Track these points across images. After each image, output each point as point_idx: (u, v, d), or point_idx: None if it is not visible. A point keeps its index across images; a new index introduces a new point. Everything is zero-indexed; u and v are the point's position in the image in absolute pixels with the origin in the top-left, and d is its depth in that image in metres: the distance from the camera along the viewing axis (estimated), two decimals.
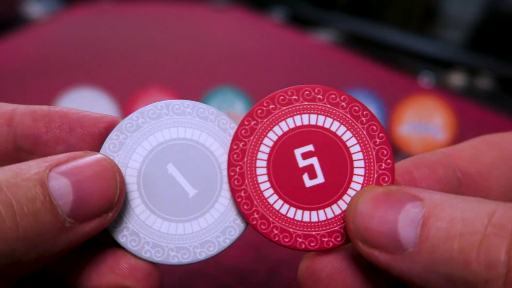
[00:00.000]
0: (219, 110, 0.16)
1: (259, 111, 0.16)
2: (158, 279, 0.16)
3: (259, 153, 0.15)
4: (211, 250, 0.16)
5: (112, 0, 1.02)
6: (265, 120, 0.16)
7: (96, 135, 0.16)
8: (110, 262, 0.15)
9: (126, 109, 0.44)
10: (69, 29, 0.85)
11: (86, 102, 0.44)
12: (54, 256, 0.13)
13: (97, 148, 0.16)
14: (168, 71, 0.66)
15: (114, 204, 0.14)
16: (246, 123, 0.16)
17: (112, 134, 0.16)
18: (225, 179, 0.16)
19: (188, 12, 0.96)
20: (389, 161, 0.15)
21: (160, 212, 0.16)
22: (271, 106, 0.16)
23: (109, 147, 0.16)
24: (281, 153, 0.15)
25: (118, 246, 0.16)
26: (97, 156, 0.14)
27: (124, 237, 0.15)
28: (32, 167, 0.13)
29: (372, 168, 0.15)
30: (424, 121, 0.44)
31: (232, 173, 0.15)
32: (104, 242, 0.16)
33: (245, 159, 0.16)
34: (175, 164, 0.16)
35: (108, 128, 0.16)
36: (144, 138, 0.16)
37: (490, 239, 0.11)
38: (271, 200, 0.15)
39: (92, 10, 0.95)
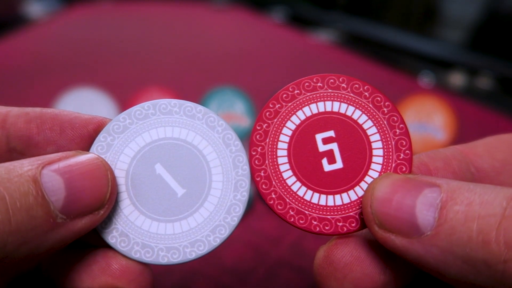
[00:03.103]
0: (206, 108, 0.16)
1: (284, 95, 0.16)
2: (150, 280, 0.16)
3: (281, 135, 0.16)
4: (201, 249, 0.16)
5: (112, 0, 1.02)
6: (289, 104, 0.16)
7: (85, 137, 0.16)
8: (101, 263, 0.15)
9: (126, 109, 0.44)
10: (69, 29, 0.85)
11: (86, 102, 0.44)
12: (45, 253, 0.13)
13: (86, 149, 0.16)
14: (168, 71, 0.66)
15: (105, 201, 0.15)
16: (271, 106, 0.16)
17: (100, 136, 0.16)
18: (214, 177, 0.16)
19: (188, 12, 0.96)
20: (407, 151, 0.16)
21: (149, 212, 0.16)
22: (296, 91, 0.16)
23: (97, 149, 0.16)
24: (303, 137, 0.16)
25: (108, 247, 0.16)
26: (89, 155, 0.15)
27: (114, 238, 0.16)
28: (25, 165, 0.13)
29: (390, 157, 0.16)
30: (424, 121, 0.44)
31: (254, 153, 0.16)
32: (95, 244, 0.16)
33: (267, 140, 0.16)
34: (163, 164, 0.16)
35: (97, 129, 0.16)
36: (132, 139, 0.16)
37: (510, 220, 0.11)
38: (289, 182, 0.16)
39: (92, 10, 0.95)
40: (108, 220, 0.16)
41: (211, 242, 0.16)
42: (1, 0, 0.94)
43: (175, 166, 0.16)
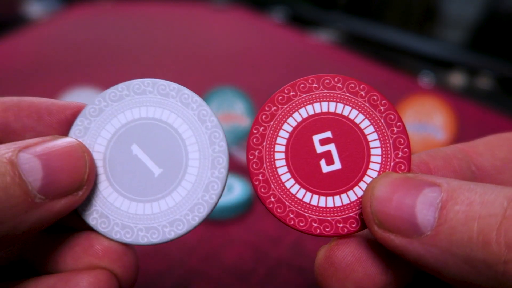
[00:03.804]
0: (180, 86, 0.16)
1: (280, 97, 0.16)
2: (134, 260, 0.16)
3: (278, 138, 0.16)
4: (180, 228, 0.16)
5: (112, 0, 1.02)
6: (285, 106, 0.16)
7: (63, 122, 0.16)
8: (84, 245, 0.16)
9: None
10: (69, 29, 0.85)
11: (86, 102, 0.44)
12: (25, 234, 0.14)
13: (64, 134, 0.16)
14: (168, 71, 0.66)
15: (83, 182, 0.15)
16: (267, 108, 0.16)
17: (77, 120, 0.16)
18: (190, 155, 0.16)
19: (188, 12, 0.96)
20: (406, 149, 0.16)
21: (127, 193, 0.16)
22: (291, 93, 0.16)
23: (74, 133, 0.16)
24: (300, 139, 0.16)
25: (90, 230, 0.16)
26: (66, 138, 0.15)
27: (94, 219, 0.16)
28: (1, 149, 0.13)
29: (389, 156, 0.16)
30: (424, 121, 0.44)
31: (251, 157, 0.16)
32: (78, 228, 0.16)
33: (264, 143, 0.16)
34: (139, 144, 0.16)
35: (74, 114, 0.16)
36: (108, 121, 0.16)
37: (510, 221, 0.11)
38: (288, 185, 0.16)
39: (92, 10, 0.95)
40: (88, 202, 0.16)
41: (190, 221, 0.16)
42: (1, 0, 0.94)
43: (151, 146, 0.16)
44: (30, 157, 0.13)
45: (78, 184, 0.15)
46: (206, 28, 0.87)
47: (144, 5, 0.98)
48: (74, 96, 0.44)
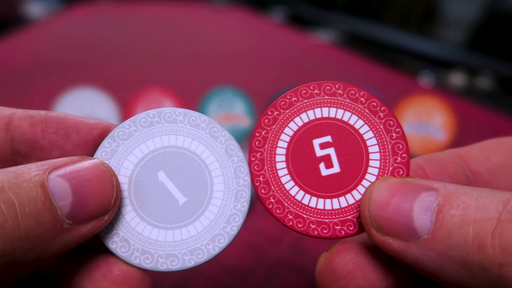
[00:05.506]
0: (210, 118, 0.17)
1: (282, 102, 0.16)
2: (150, 286, 0.16)
3: (279, 141, 0.16)
4: (200, 257, 0.16)
5: (112, 0, 1.02)
6: (287, 111, 0.16)
7: (90, 142, 0.16)
8: (103, 269, 0.15)
9: (126, 109, 0.44)
10: (69, 29, 0.85)
11: (86, 102, 0.44)
12: (51, 257, 0.13)
13: (90, 154, 0.16)
14: (168, 71, 0.66)
15: (110, 207, 0.15)
16: (269, 113, 0.16)
17: (105, 142, 0.16)
18: (215, 187, 0.16)
19: (188, 12, 0.96)
20: (404, 155, 0.16)
21: (150, 219, 0.16)
22: (293, 99, 0.16)
23: (101, 155, 0.16)
24: (300, 142, 0.16)
25: (109, 252, 0.16)
26: (95, 160, 0.15)
27: (114, 243, 0.16)
28: (32, 169, 0.13)
29: (387, 161, 0.16)
30: (424, 121, 0.44)
31: (253, 159, 0.16)
32: (96, 248, 0.16)
33: (266, 146, 0.16)
34: (165, 172, 0.16)
35: (102, 135, 0.16)
36: (136, 146, 0.16)
37: (505, 225, 0.11)
38: (287, 186, 0.16)
39: (92, 10, 0.95)
40: (109, 225, 0.16)
41: (210, 251, 0.16)
42: (1, 0, 0.94)
43: (178, 174, 0.16)
44: (60, 180, 0.13)
45: (105, 209, 0.15)
46: (206, 28, 0.87)
47: (144, 5, 0.98)
48: (74, 96, 0.44)
